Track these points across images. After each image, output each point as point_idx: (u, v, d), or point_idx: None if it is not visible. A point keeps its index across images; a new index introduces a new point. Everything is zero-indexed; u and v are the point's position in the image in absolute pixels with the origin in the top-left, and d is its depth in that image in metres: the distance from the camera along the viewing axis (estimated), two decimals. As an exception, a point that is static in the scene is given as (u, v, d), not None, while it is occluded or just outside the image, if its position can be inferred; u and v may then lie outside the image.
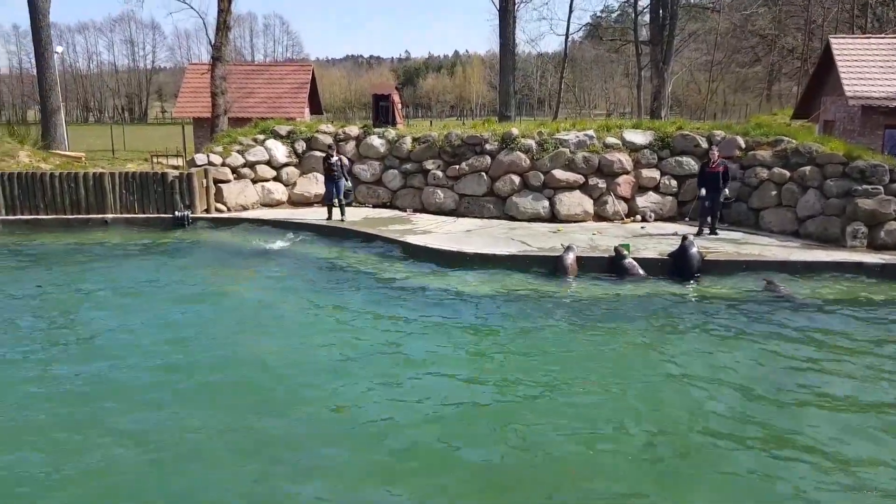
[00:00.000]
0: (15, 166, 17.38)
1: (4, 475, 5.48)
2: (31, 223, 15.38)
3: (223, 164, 16.53)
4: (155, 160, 26.51)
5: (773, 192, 14.47)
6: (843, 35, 24.26)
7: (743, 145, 15.28)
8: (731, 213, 14.94)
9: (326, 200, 15.07)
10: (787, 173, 14.36)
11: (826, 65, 21.37)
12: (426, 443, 6.03)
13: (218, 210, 16.10)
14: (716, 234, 13.53)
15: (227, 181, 16.44)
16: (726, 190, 13.50)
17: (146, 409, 6.59)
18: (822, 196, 13.62)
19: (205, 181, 15.88)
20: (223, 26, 21.81)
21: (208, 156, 16.62)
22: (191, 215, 15.39)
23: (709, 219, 13.66)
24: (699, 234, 13.42)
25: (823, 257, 11.94)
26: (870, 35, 24.71)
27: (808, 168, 13.99)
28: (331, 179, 14.93)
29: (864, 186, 13.00)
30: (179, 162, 25.32)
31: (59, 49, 40.39)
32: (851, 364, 7.75)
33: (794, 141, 14.77)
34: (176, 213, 15.40)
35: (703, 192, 13.30)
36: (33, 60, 30.74)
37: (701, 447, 5.97)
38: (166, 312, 9.48)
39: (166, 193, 15.66)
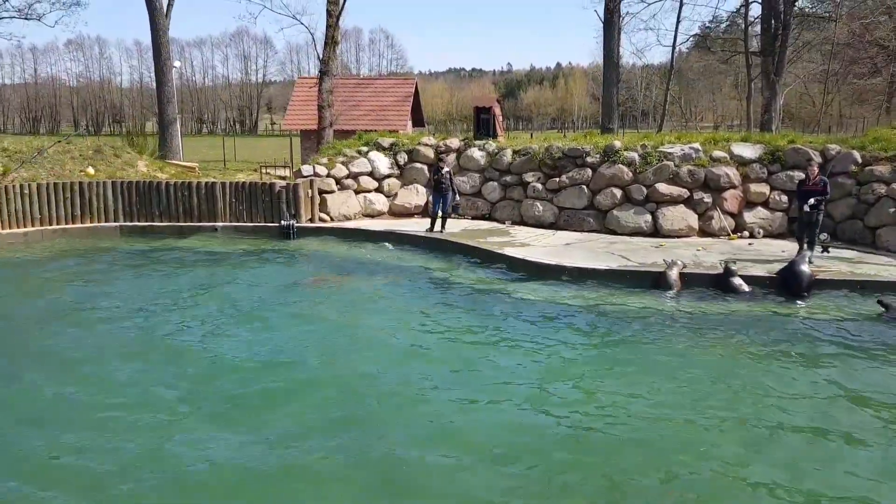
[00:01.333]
0: (134, 175, 18.63)
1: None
2: (147, 230, 16.44)
3: (328, 176, 17.24)
4: (263, 171, 27.81)
5: (892, 210, 13.72)
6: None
7: (859, 160, 14.59)
8: (846, 231, 14.27)
9: (433, 212, 15.44)
10: (908, 190, 13.60)
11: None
12: (541, 459, 6.13)
13: (321, 220, 16.80)
14: (813, 250, 12.54)
15: (331, 192, 17.13)
16: (815, 201, 12.36)
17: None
18: (948, 214, 12.83)
19: (310, 191, 16.62)
20: (331, 41, 22.65)
21: (314, 167, 17.38)
22: (296, 224, 16.10)
23: (806, 237, 12.63)
24: (802, 249, 12.52)
25: (947, 279, 11.24)
26: None
27: (931, 185, 13.21)
28: (438, 191, 15.31)
29: None
30: (286, 173, 26.46)
31: (177, 64, 43.29)
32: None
33: (916, 156, 13.97)
34: (282, 221, 16.15)
35: (807, 207, 12.35)
36: (153, 74, 32.88)
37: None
38: (272, 323, 9.78)
39: (273, 203, 16.48)
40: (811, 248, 12.62)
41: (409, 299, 11.01)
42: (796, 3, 29.09)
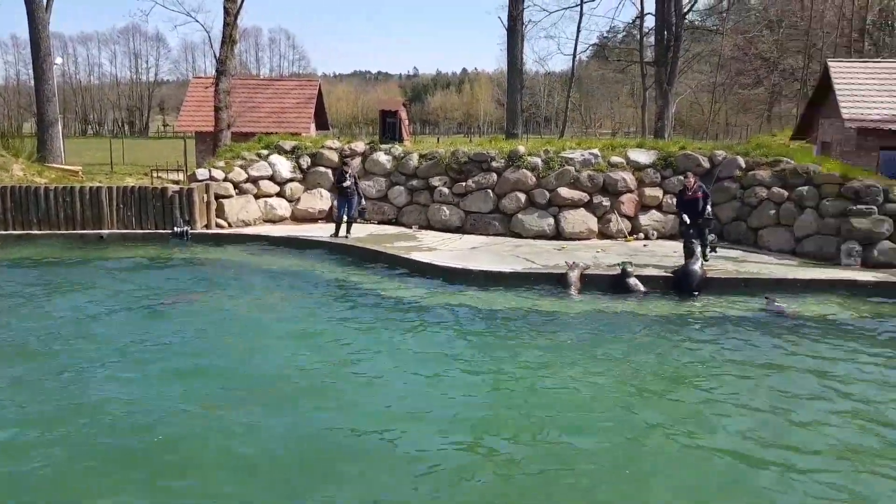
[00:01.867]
0: (8, 180, 17.38)
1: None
2: (24, 238, 15.25)
3: (225, 180, 16.65)
4: (155, 175, 26.55)
5: (772, 212, 14.67)
6: (842, 59, 24.62)
7: (743, 165, 15.51)
8: (731, 232, 15.15)
9: (338, 217, 15.26)
10: (786, 193, 14.57)
11: (824, 87, 21.66)
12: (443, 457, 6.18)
13: (219, 226, 16.20)
14: (707, 258, 12.70)
15: (229, 197, 16.55)
16: (709, 207, 12.89)
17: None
18: (819, 215, 13.85)
19: (206, 196, 15.98)
20: (228, 40, 21.93)
21: (210, 171, 16.75)
22: (190, 231, 15.47)
23: (698, 245, 12.51)
24: (693, 254, 12.52)
25: (820, 275, 12.13)
26: (867, 59, 25.05)
27: (805, 188, 14.22)
28: (343, 196, 15.13)
29: (859, 206, 13.24)
30: (180, 177, 25.35)
31: (59, 60, 40.73)
32: (854, 378, 7.90)
33: (792, 161, 15.00)
34: (175, 228, 15.46)
35: (686, 218, 12.58)
36: (31, 71, 30.95)
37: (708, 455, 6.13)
38: (157, 334, 9.32)
39: (165, 208, 15.74)
40: (711, 248, 13.27)
41: (310, 307, 10.81)
42: (686, 17, 30.67)
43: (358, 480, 5.67)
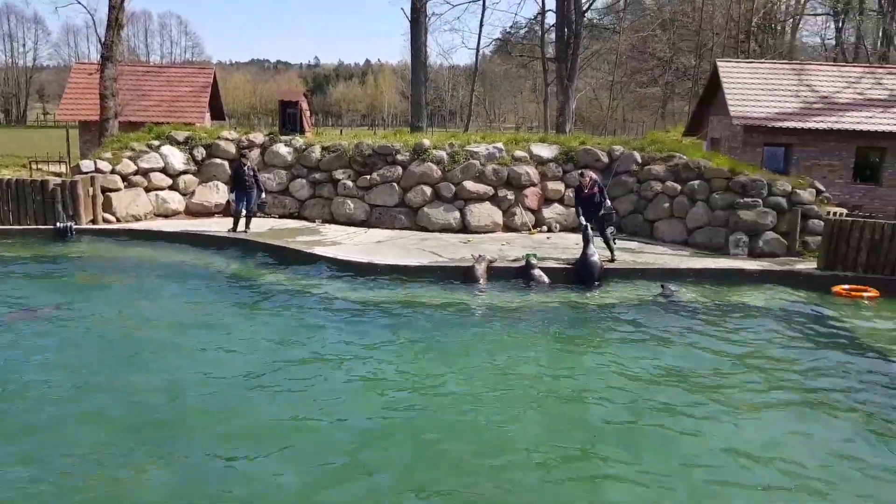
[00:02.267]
0: None
1: None
2: None
3: (113, 172, 15.70)
4: (34, 166, 24.86)
5: (666, 205, 15.26)
6: (730, 59, 25.91)
7: (639, 160, 16.03)
8: (628, 224, 15.64)
9: (236, 211, 14.68)
10: (679, 187, 15.19)
11: (714, 86, 22.78)
12: (334, 452, 6.00)
13: (106, 221, 15.24)
14: (614, 258, 12.73)
15: (117, 190, 15.61)
16: (607, 202, 12.95)
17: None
18: (709, 208, 14.53)
19: (91, 190, 14.98)
20: (115, 24, 20.83)
21: (95, 162, 15.73)
22: (74, 226, 14.46)
23: (597, 239, 12.64)
24: (589, 245, 12.49)
25: (710, 265, 12.73)
26: (752, 60, 26.50)
27: (696, 182, 14.87)
28: (242, 189, 14.55)
29: (746, 199, 13.99)
30: (62, 168, 23.92)
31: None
32: (730, 360, 8.28)
33: (684, 157, 15.65)
34: (57, 224, 14.39)
35: (583, 220, 12.52)
36: None
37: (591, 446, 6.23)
38: (38, 336, 8.69)
39: (46, 203, 14.63)
40: (612, 239, 13.58)
41: (207, 303, 10.35)
42: (586, 15, 31.48)
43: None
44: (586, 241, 12.17)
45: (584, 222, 12.39)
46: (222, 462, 5.77)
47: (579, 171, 13.92)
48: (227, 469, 5.69)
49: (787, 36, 41.77)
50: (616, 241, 14.22)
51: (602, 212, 12.69)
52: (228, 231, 14.41)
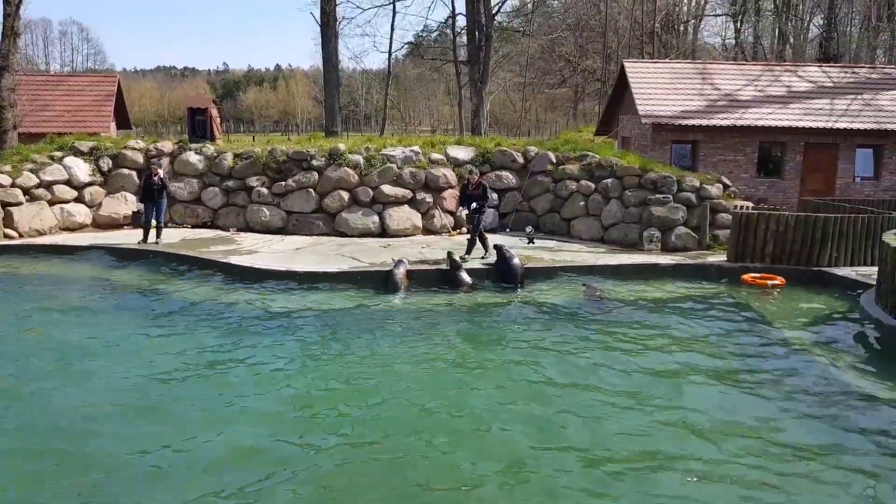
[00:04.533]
0: None
1: None
2: None
3: (13, 185, 14.91)
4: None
5: (581, 203, 15.64)
6: (636, 60, 26.83)
7: (554, 160, 16.37)
8: (546, 223, 15.95)
9: (145, 222, 14.11)
10: (593, 185, 15.61)
11: (622, 86, 23.50)
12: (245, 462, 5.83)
13: (7, 237, 14.44)
14: (467, 258, 12.70)
15: (19, 204, 14.84)
16: (484, 206, 13.03)
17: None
18: (623, 205, 14.98)
19: (-9, 204, 14.23)
20: (11, 32, 19.90)
21: (-6, 176, 14.94)
22: None
23: (477, 238, 12.98)
24: (468, 253, 12.92)
25: (626, 260, 13.11)
26: (657, 60, 27.53)
27: (609, 180, 15.32)
28: (151, 199, 14.01)
29: (657, 196, 14.49)
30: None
31: None
32: (659, 350, 8.55)
33: (597, 156, 16.09)
34: None
35: (464, 212, 13.07)
36: None
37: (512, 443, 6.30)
38: None
39: (-57, 220, 13.82)
40: (529, 240, 13.79)
41: (118, 320, 9.89)
42: (496, 18, 31.92)
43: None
44: (475, 231, 12.81)
45: (468, 212, 12.97)
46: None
47: (468, 170, 14.09)
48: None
49: (689, 36, 43.59)
50: (535, 240, 14.57)
51: (473, 206, 12.85)
52: (139, 243, 13.84)
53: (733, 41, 43.25)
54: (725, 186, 15.23)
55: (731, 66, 24.03)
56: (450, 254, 12.22)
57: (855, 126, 19.95)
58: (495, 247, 12.50)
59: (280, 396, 7.33)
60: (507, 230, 15.98)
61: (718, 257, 13.43)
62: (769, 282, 11.93)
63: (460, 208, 13.03)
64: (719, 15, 45.30)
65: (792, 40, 38.93)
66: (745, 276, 12.17)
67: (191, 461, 5.92)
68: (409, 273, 11.82)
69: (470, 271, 12.00)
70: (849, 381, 7.72)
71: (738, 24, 42.24)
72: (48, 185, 15.47)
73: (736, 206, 14.29)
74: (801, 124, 20.05)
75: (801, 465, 5.89)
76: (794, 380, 7.80)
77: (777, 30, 40.45)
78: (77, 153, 16.32)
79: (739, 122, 20.15)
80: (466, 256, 12.76)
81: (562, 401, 7.21)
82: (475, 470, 5.82)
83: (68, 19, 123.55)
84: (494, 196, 13.39)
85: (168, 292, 11.31)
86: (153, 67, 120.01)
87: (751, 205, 15.31)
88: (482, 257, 12.75)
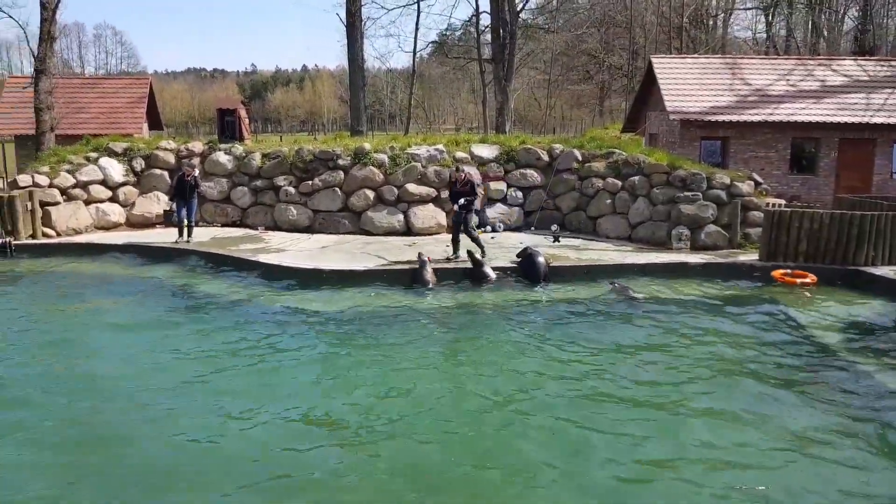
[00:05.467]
0: None
1: None
2: None
3: (51, 186, 15.32)
4: (-31, 183, 24.15)
5: (608, 201, 15.55)
6: (663, 55, 26.54)
7: (580, 157, 16.29)
8: (572, 221, 15.89)
9: (178, 221, 14.32)
10: (619, 183, 15.50)
11: (649, 82, 23.30)
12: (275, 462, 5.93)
13: (46, 235, 14.84)
14: (457, 255, 12.67)
15: (56, 203, 15.24)
16: (473, 199, 12.81)
17: None
18: (651, 203, 14.84)
19: (29, 204, 14.56)
20: (47, 36, 20.45)
21: (33, 176, 15.36)
22: (13, 242, 14.01)
23: (462, 237, 12.76)
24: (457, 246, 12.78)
25: (654, 259, 12.99)
26: (686, 55, 27.20)
27: (637, 178, 15.19)
28: (183, 199, 14.25)
29: (686, 193, 14.32)
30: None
31: None
32: (687, 351, 8.50)
33: (624, 153, 15.97)
34: None
35: (457, 207, 12.72)
36: None
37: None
38: None
39: (-17, 219, 14.19)
40: (554, 238, 13.67)
41: (153, 316, 10.08)
42: (520, 15, 31.84)
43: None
44: (456, 245, 12.67)
45: (457, 208, 12.71)
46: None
47: (455, 166, 13.85)
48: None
49: (718, 31, 43.01)
50: (560, 238, 14.54)
51: (462, 202, 12.67)
52: (175, 242, 14.05)
53: (764, 35, 42.63)
54: (757, 184, 15.03)
55: (762, 61, 23.69)
56: (470, 252, 12.24)
57: (892, 121, 19.55)
58: (524, 251, 12.44)
59: (307, 392, 7.43)
60: (533, 228, 15.96)
61: (750, 256, 13.25)
62: (798, 280, 11.77)
63: (454, 204, 12.76)
64: (750, 8, 44.64)
65: (826, 33, 38.24)
66: (775, 273, 12.02)
67: (224, 455, 6.05)
68: (435, 270, 11.87)
69: (494, 270, 12.01)
70: (886, 381, 7.60)
71: (770, 18, 41.52)
72: (84, 185, 15.85)
73: (768, 204, 14.08)
74: (835, 119, 19.70)
75: (844, 471, 5.83)
76: (831, 380, 7.70)
77: (810, 23, 39.71)
78: (111, 154, 16.68)
79: (771, 118, 19.86)
80: (453, 256, 12.61)
81: (598, 402, 7.21)
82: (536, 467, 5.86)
83: (102, 23, 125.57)
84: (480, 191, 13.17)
85: (197, 290, 11.53)
86: (184, 69, 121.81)
87: (783, 202, 15.07)
88: (481, 256, 12.39)
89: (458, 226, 12.80)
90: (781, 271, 12.03)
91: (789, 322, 9.87)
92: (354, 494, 5.50)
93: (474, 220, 13.32)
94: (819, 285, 11.70)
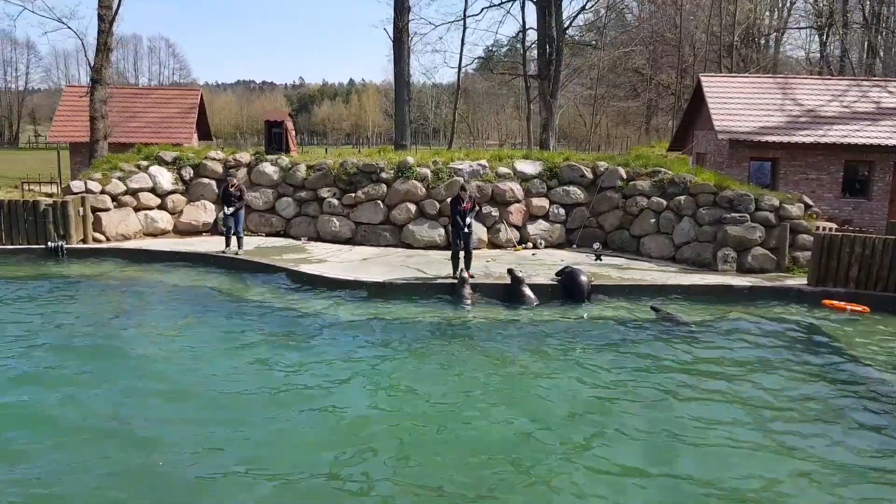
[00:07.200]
0: None
1: None
2: None
3: (102, 192, 15.76)
4: (26, 187, 25.04)
5: (652, 220, 15.31)
6: (713, 74, 26.16)
7: (624, 175, 16.10)
8: (615, 240, 15.68)
9: (225, 229, 14.51)
10: (664, 202, 15.25)
11: (697, 101, 22.98)
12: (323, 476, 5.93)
13: (96, 240, 15.27)
14: (468, 272, 12.20)
15: (107, 210, 15.66)
16: (468, 219, 12.41)
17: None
18: (696, 223, 14.55)
19: (81, 209, 15.02)
20: (103, 47, 21.10)
21: (86, 183, 15.82)
22: (65, 246, 14.47)
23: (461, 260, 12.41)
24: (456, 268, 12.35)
25: (698, 281, 12.71)
26: (736, 74, 26.78)
27: (682, 197, 14.93)
28: (230, 207, 14.40)
29: (733, 214, 14.02)
30: (53, 189, 24.10)
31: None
32: (723, 381, 8.27)
33: (670, 172, 15.73)
34: (49, 243, 14.43)
35: (461, 223, 12.29)
36: None
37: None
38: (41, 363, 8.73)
39: (38, 223, 14.64)
40: (596, 256, 13.41)
41: (202, 322, 10.26)
42: (567, 31, 31.75)
43: None
44: (456, 262, 12.26)
45: (460, 228, 12.27)
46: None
47: (461, 186, 13.20)
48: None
49: (770, 49, 42.27)
50: (602, 257, 14.37)
51: (465, 230, 12.36)
52: (223, 252, 14.23)
53: (818, 55, 41.72)
54: (807, 206, 14.63)
55: (814, 81, 23.15)
56: (510, 270, 12.15)
57: (950, 144, 18.89)
58: (564, 269, 12.28)
59: (346, 405, 7.44)
60: (574, 246, 15.80)
61: (798, 280, 12.89)
62: (847, 307, 11.39)
63: (459, 220, 12.28)
64: (803, 28, 43.82)
65: (882, 54, 37.25)
66: (826, 301, 11.66)
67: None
68: (474, 286, 11.83)
69: (534, 287, 11.90)
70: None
71: (824, 37, 40.67)
72: (134, 193, 16.25)
73: (818, 228, 13.70)
74: (891, 142, 19.12)
75: None
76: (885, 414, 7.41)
77: (866, 43, 38.76)
78: (161, 163, 17.09)
79: (823, 140, 19.36)
80: (466, 275, 12.05)
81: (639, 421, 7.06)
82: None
83: (157, 35, 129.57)
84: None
85: (242, 298, 11.69)
86: (233, 81, 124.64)
87: (834, 226, 14.65)
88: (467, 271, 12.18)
89: (468, 244, 12.40)
90: (831, 300, 11.67)
91: (837, 349, 9.54)
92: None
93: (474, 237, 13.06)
94: (872, 313, 11.30)
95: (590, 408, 7.42)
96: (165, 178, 16.80)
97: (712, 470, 6.10)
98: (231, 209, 14.31)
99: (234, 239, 14.40)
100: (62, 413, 7.03)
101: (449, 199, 15.43)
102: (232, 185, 14.45)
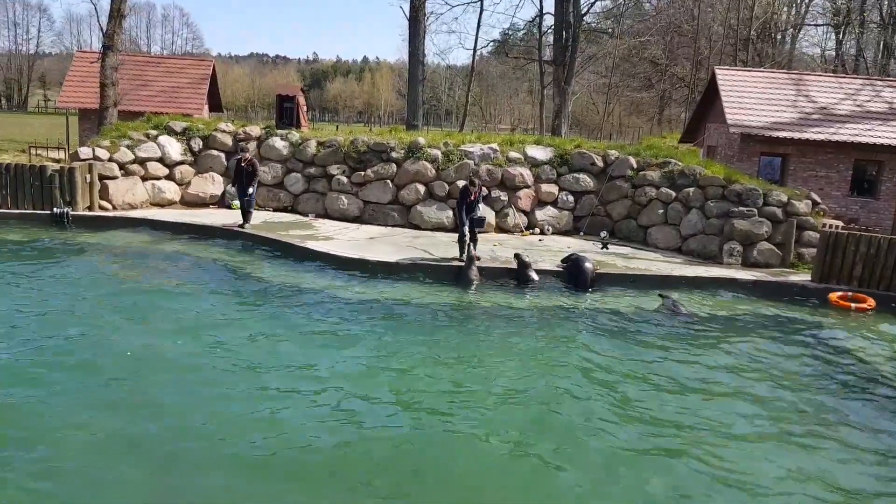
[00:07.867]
0: None
1: None
2: None
3: (110, 160, 15.73)
4: (33, 152, 25.02)
5: (660, 211, 15.28)
6: (728, 67, 25.92)
7: (634, 165, 16.04)
8: (622, 229, 15.67)
9: (242, 206, 14.42)
10: (673, 193, 15.21)
11: (711, 94, 22.79)
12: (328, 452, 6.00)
13: (102, 208, 15.25)
14: (474, 255, 12.16)
15: (114, 178, 15.63)
16: (479, 208, 12.69)
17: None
18: (704, 216, 14.54)
19: (88, 176, 15.00)
20: (116, 13, 20.89)
21: (94, 150, 15.76)
22: (71, 213, 14.46)
23: (469, 244, 12.36)
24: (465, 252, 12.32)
25: (703, 273, 12.73)
26: (751, 69, 26.54)
27: (691, 189, 14.90)
28: (240, 184, 14.38)
29: (741, 208, 14.00)
30: (61, 155, 24.06)
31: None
32: (726, 370, 8.31)
33: (680, 163, 15.67)
34: (54, 209, 14.43)
35: (465, 220, 12.34)
36: None
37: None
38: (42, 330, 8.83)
39: (44, 188, 14.63)
40: (602, 245, 13.52)
41: (202, 296, 10.31)
42: (585, 18, 31.49)
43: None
44: (462, 249, 12.26)
45: (465, 224, 12.30)
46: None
47: (469, 180, 13.11)
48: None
49: (786, 45, 41.86)
50: (609, 245, 14.37)
51: (475, 215, 12.47)
52: (241, 226, 14.16)
53: (833, 53, 41.30)
54: (815, 203, 14.59)
55: (828, 78, 22.92)
56: (517, 255, 12.19)
57: (962, 147, 18.74)
58: (570, 256, 12.32)
59: (347, 383, 7.49)
60: (582, 234, 15.80)
61: (802, 276, 12.90)
62: (853, 304, 11.39)
63: (463, 216, 12.33)
64: (820, 25, 43.33)
65: (898, 54, 36.85)
66: (832, 296, 11.67)
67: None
68: (479, 269, 11.86)
69: (540, 272, 11.94)
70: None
71: (841, 36, 40.25)
72: (142, 162, 16.24)
73: (825, 225, 13.67)
74: (902, 143, 18.98)
75: None
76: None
77: (882, 43, 38.35)
78: (171, 132, 17.06)
79: (834, 137, 19.24)
80: (474, 253, 12.15)
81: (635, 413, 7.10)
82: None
83: (171, 3, 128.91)
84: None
85: (245, 272, 11.74)
86: (246, 54, 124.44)
87: (841, 224, 14.61)
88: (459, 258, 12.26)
89: (471, 230, 12.39)
90: (839, 294, 11.67)
91: (838, 346, 9.57)
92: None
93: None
94: (874, 311, 11.31)
95: (585, 392, 7.46)
96: (174, 148, 16.79)
97: (712, 465, 6.14)
98: (252, 189, 14.27)
99: (239, 213, 14.39)
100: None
101: (459, 184, 15.55)
102: (244, 161, 14.43)
